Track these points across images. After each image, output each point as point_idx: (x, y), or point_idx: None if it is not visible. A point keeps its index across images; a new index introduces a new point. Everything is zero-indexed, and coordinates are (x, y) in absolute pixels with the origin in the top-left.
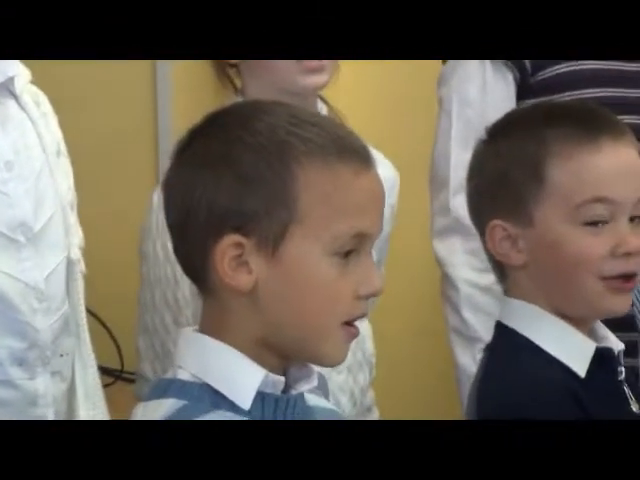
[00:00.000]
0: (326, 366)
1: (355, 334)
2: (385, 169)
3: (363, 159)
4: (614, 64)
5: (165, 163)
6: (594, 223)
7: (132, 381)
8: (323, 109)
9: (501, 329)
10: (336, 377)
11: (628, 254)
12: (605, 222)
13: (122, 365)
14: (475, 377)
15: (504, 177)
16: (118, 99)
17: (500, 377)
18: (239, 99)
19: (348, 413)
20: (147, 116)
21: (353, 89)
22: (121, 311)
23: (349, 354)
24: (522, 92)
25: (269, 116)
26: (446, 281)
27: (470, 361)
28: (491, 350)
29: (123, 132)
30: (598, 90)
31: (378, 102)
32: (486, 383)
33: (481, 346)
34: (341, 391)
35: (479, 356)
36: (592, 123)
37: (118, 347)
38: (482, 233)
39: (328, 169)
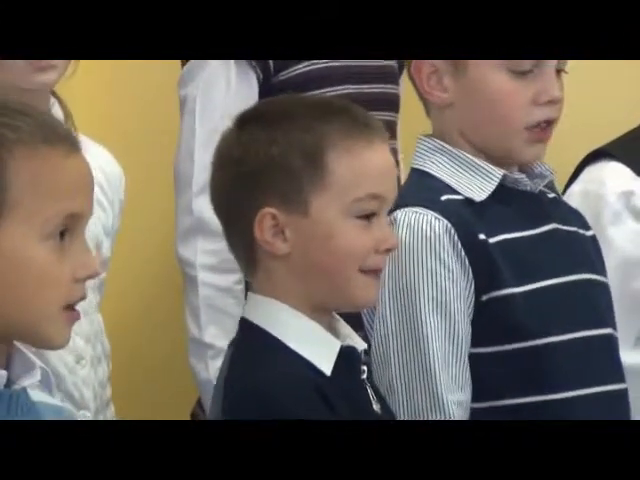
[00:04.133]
0: (50, 349)
1: (77, 317)
2: (110, 165)
3: (70, 143)
4: (353, 61)
5: None
6: (366, 217)
7: None
8: (55, 105)
9: (245, 325)
10: (80, 370)
11: (388, 250)
12: (374, 216)
13: None
14: (219, 374)
15: (281, 164)
16: None
17: (245, 374)
18: None
19: (92, 407)
20: None
21: None
22: None
23: (89, 347)
24: (265, 92)
25: None
26: (186, 282)
27: (205, 372)
28: (236, 346)
29: None
30: (339, 87)
31: None
32: (231, 381)
33: (212, 353)
34: (85, 385)
35: (211, 362)
36: (364, 119)
37: None
38: (234, 223)
39: (36, 155)
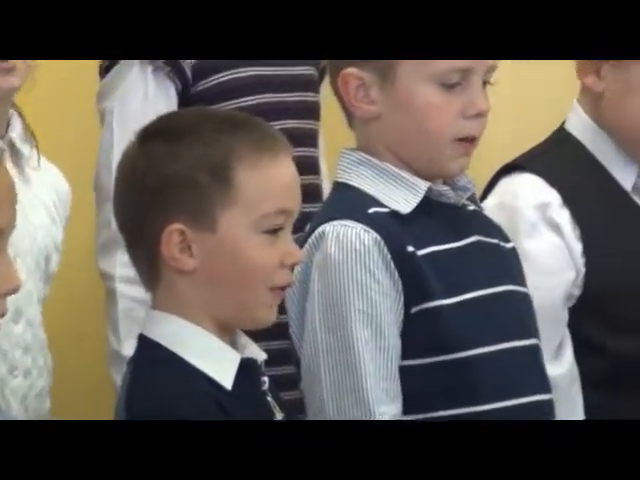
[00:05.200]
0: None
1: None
2: (61, 182)
3: None
4: (271, 69)
5: None
6: (273, 232)
7: None
8: (14, 114)
9: (145, 342)
10: (12, 381)
11: (294, 264)
12: (281, 231)
13: None
14: (121, 390)
15: (187, 180)
16: None
17: (146, 392)
18: None
19: (21, 419)
20: None
21: None
22: None
23: (28, 359)
24: (185, 102)
25: None
26: (106, 295)
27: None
28: (135, 363)
29: None
30: (259, 97)
31: None
32: (132, 399)
33: None
34: (13, 395)
35: None
36: (270, 134)
37: None
38: (139, 238)
39: None
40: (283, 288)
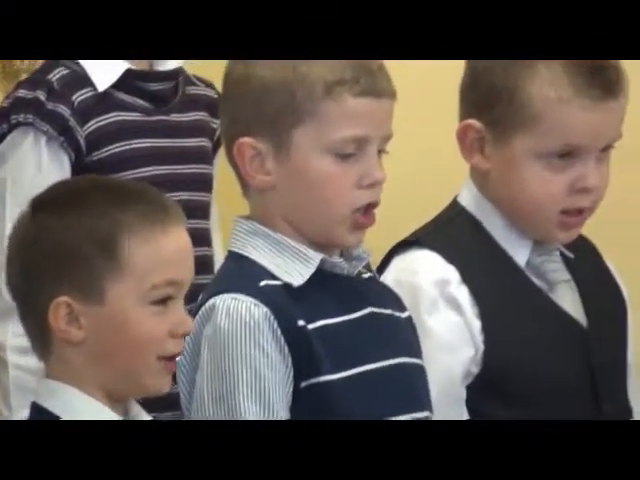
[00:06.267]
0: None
1: None
2: None
3: None
4: (165, 141)
5: None
6: (162, 303)
7: None
8: None
9: (36, 410)
10: None
11: (185, 334)
12: (171, 301)
13: None
14: None
15: (75, 252)
16: None
17: None
18: None
19: None
20: None
21: None
22: None
23: None
24: (78, 172)
25: None
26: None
27: None
28: None
29: None
30: (152, 168)
31: None
32: None
33: None
34: None
35: None
36: (160, 205)
37: None
38: (28, 309)
39: None
40: (173, 357)
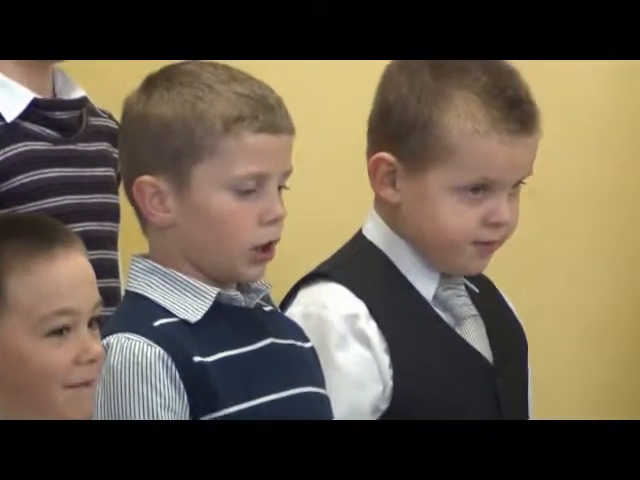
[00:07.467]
0: None
1: None
2: None
3: None
4: (73, 171)
5: None
6: (58, 333)
7: None
8: None
9: None
10: None
11: (92, 361)
12: (68, 330)
13: None
14: None
15: None
16: None
17: None
18: None
19: None
20: None
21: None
22: None
23: None
24: None
25: None
26: None
27: None
28: None
29: None
30: (61, 198)
31: None
32: None
33: None
34: None
35: None
36: (45, 235)
37: None
38: None
39: None
40: (86, 383)
